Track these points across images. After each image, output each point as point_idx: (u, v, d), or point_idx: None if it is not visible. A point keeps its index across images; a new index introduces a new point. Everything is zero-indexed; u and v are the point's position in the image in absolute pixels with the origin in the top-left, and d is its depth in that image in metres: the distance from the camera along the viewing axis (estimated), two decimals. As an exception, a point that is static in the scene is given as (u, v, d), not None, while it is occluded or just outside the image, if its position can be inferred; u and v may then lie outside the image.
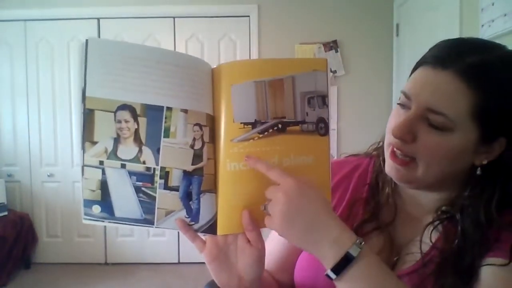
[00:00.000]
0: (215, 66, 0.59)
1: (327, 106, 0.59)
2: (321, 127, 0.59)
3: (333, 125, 3.19)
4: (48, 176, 3.35)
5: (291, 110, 0.58)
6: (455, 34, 2.07)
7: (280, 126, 0.57)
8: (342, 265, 0.50)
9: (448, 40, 0.62)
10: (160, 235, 3.40)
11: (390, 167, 0.64)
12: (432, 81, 0.58)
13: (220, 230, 0.58)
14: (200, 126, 0.57)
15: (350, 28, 3.16)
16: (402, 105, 0.62)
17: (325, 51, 3.14)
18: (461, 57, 0.57)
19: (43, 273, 3.23)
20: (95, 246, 3.41)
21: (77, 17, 3.20)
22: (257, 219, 0.57)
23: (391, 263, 0.65)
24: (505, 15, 1.69)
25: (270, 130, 0.57)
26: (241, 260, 0.59)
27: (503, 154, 0.59)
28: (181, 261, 3.39)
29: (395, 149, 0.62)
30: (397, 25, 3.04)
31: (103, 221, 0.55)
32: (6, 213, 3.08)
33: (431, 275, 0.59)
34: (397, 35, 3.05)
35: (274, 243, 0.77)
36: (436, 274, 0.58)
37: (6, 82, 3.31)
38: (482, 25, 1.85)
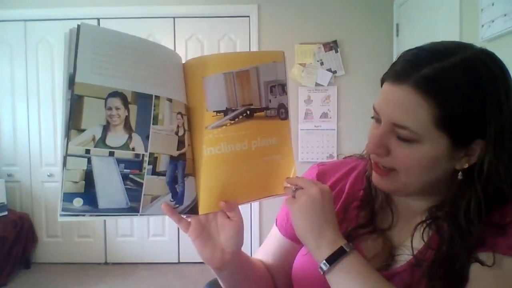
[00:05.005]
0: (184, 61, 0.63)
1: (286, 93, 0.67)
2: (282, 112, 0.67)
3: (333, 125, 3.19)
4: (48, 176, 3.35)
5: (257, 97, 0.64)
6: (455, 34, 2.07)
7: (248, 112, 0.63)
8: (336, 256, 0.57)
9: (408, 51, 0.61)
10: (160, 235, 3.40)
11: (374, 178, 0.67)
12: (392, 96, 0.59)
13: (201, 210, 0.62)
14: (181, 114, 0.60)
15: (350, 28, 3.16)
16: (375, 118, 0.64)
17: (325, 51, 3.14)
18: (416, 69, 0.57)
19: (43, 273, 3.23)
20: (95, 246, 3.42)
21: (77, 17, 3.17)
22: (234, 195, 0.63)
23: (386, 265, 0.65)
24: (505, 15, 1.69)
25: (240, 117, 0.63)
26: (222, 234, 0.63)
27: (483, 156, 0.58)
28: (181, 261, 3.39)
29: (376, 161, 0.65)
30: (397, 25, 3.04)
31: (84, 215, 0.52)
32: (6, 213, 3.08)
33: (423, 277, 0.59)
34: (397, 35, 3.05)
35: (271, 240, 0.81)
36: (427, 276, 0.58)
37: (6, 82, 3.31)
38: (482, 25, 1.85)
